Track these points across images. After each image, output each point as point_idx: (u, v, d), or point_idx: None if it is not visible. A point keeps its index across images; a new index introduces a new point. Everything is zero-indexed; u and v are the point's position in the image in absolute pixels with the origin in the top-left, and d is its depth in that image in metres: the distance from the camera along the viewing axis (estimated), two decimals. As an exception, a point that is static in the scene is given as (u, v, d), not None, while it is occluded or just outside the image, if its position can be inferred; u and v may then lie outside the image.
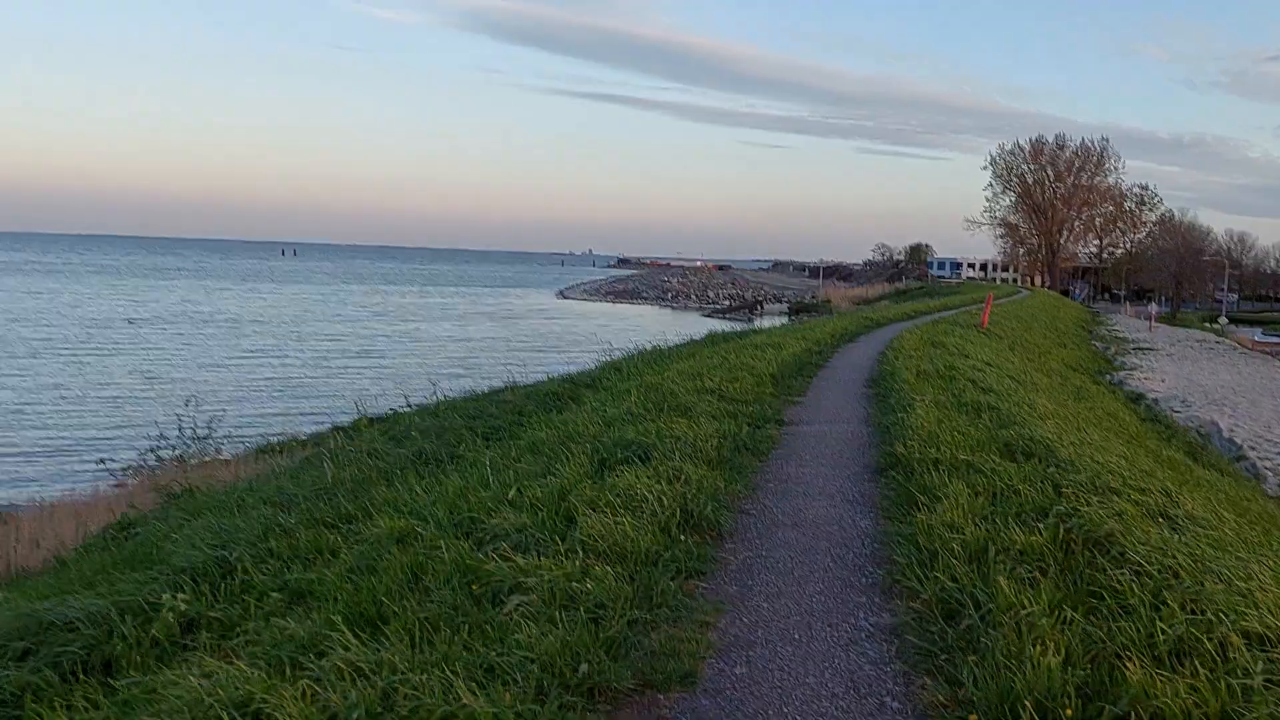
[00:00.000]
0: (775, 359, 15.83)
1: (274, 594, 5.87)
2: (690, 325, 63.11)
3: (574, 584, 5.25)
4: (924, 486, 7.14)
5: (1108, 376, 32.66)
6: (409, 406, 16.15)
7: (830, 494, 7.83)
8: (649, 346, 20.61)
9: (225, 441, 23.77)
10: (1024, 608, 4.70)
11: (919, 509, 6.63)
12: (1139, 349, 44.12)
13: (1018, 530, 5.91)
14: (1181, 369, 37.34)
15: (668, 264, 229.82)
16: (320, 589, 5.91)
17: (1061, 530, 5.82)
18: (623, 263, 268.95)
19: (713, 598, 5.53)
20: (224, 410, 30.96)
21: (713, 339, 22.79)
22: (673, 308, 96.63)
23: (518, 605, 5.10)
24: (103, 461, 23.81)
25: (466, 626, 4.79)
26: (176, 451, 22.63)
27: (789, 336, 21.09)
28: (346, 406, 31.48)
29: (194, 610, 5.74)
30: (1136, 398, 27.10)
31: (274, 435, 27.21)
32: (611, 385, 14.06)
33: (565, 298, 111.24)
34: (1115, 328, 57.45)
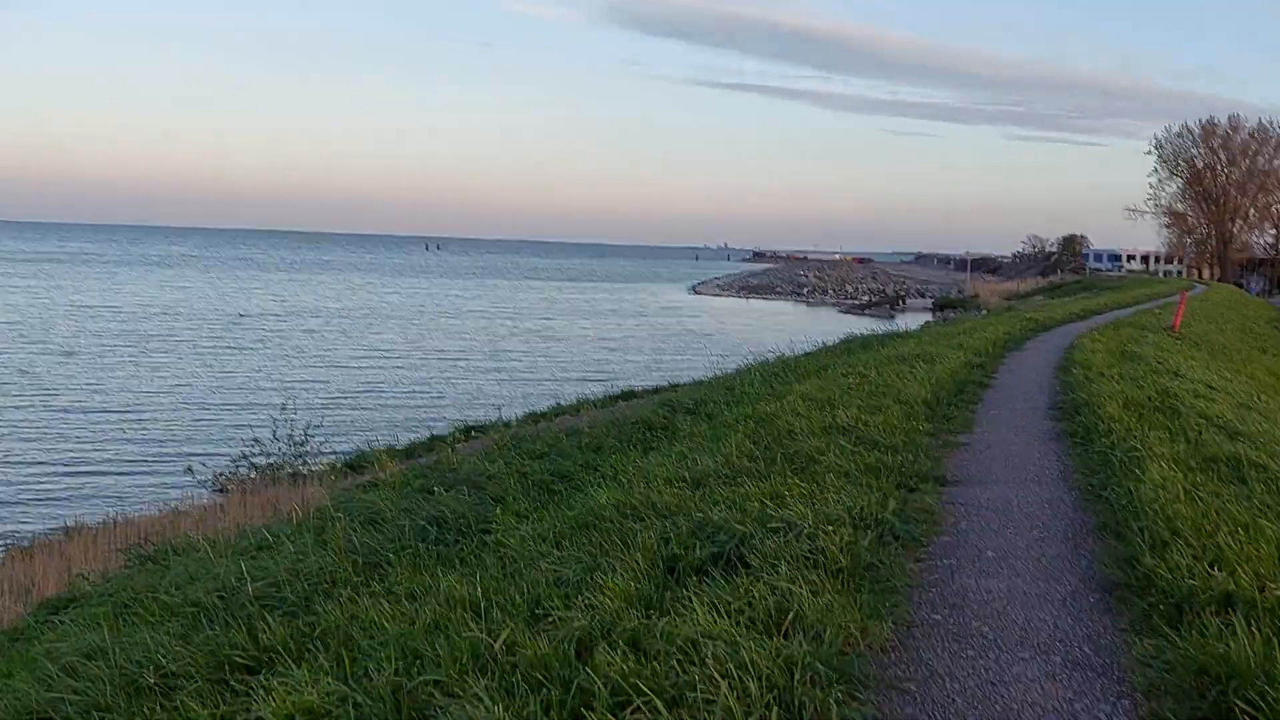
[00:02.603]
0: (928, 377, 12.57)
1: None
2: (826, 323, 59.54)
3: None
4: (1231, 665, 3.94)
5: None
6: (461, 435, 13.61)
7: (1041, 644, 4.68)
8: (771, 355, 17.59)
9: (323, 451, 22.14)
10: None
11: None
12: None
13: None
14: None
15: (804, 257, 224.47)
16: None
17: None
18: (758, 256, 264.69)
19: None
20: (331, 415, 29.65)
21: (849, 346, 19.54)
22: (808, 303, 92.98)
23: None
24: (190, 470, 22.46)
25: None
26: (271, 460, 21.11)
27: (941, 343, 17.65)
28: (459, 413, 29.74)
29: None
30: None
31: (378, 442, 25.55)
32: (716, 413, 11.16)
33: (697, 293, 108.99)
34: (1311, 326, 50.63)
